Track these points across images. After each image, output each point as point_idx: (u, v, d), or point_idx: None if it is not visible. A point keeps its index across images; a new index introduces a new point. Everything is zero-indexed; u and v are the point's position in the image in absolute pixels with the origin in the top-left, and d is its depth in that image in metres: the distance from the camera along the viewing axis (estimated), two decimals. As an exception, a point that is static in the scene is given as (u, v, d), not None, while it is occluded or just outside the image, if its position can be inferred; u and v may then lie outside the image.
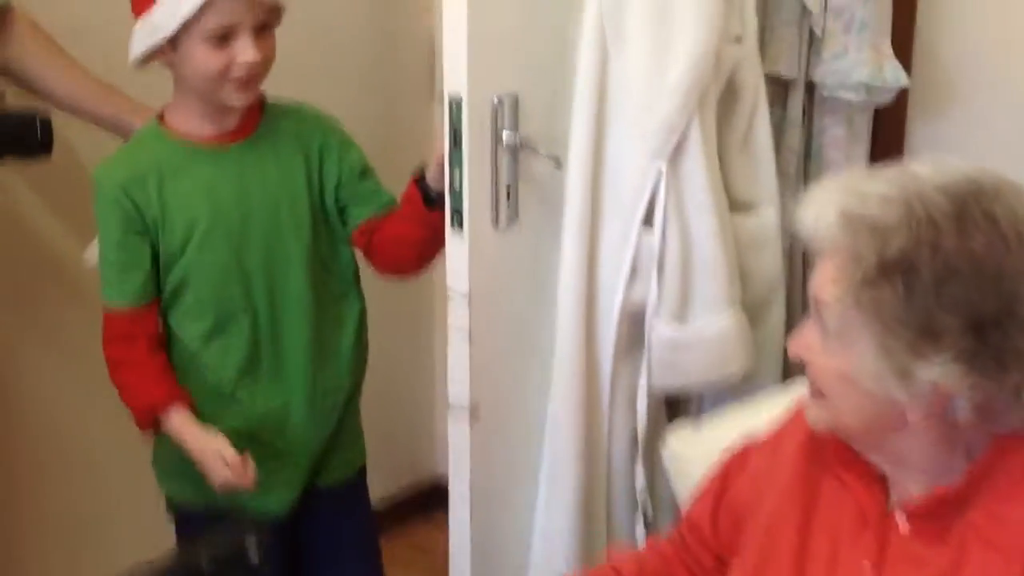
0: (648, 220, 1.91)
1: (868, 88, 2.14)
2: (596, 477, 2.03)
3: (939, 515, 1.25)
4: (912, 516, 1.28)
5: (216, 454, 1.77)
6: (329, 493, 2.00)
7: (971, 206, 1.17)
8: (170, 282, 1.82)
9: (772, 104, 2.11)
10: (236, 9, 1.70)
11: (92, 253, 1.90)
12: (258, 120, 1.85)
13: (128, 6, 1.74)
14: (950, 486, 1.24)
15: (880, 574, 1.28)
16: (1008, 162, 1.32)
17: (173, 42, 1.71)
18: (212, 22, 1.69)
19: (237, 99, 1.77)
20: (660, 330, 1.95)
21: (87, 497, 2.38)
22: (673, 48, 1.84)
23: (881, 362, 1.19)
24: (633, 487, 2.06)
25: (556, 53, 1.86)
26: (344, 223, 1.91)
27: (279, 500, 1.92)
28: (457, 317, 1.85)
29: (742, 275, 2.03)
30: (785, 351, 2.12)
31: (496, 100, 1.78)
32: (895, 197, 1.19)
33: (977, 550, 1.22)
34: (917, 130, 2.31)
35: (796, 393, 1.52)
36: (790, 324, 2.17)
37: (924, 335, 1.16)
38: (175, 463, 1.85)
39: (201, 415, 1.83)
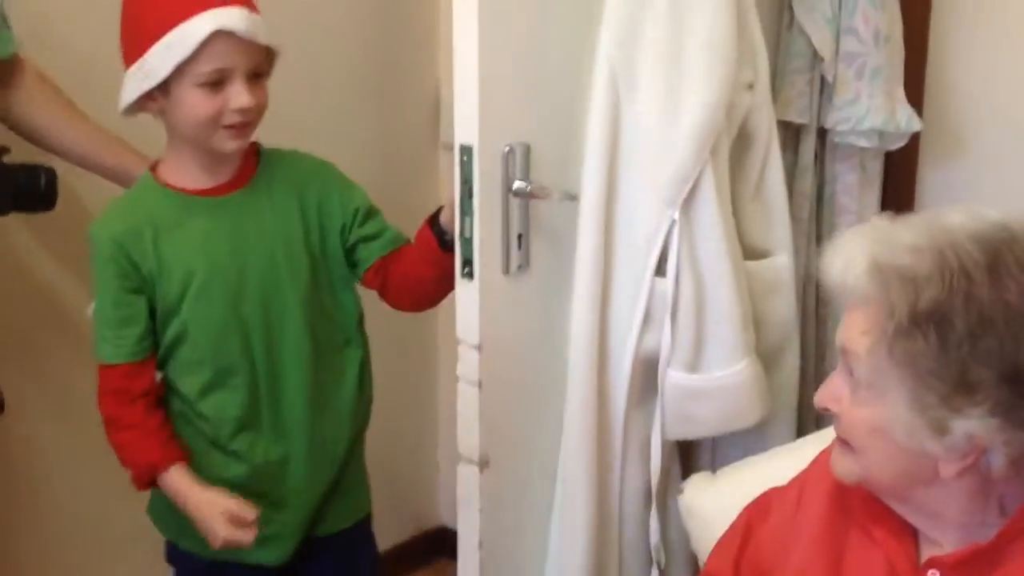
0: (661, 268, 1.89)
1: (881, 134, 2.15)
2: (608, 528, 2.00)
3: (973, 571, 1.23)
4: (945, 571, 1.25)
5: (219, 515, 1.75)
6: (331, 541, 1.96)
7: (1004, 255, 1.16)
8: (167, 335, 1.80)
9: (784, 150, 2.10)
10: (231, 54, 1.68)
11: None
12: (254, 170, 1.83)
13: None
14: (986, 541, 1.22)
15: (914, 630, 1.26)
16: (1020, 206, 1.31)
17: (165, 88, 1.70)
18: (206, 66, 1.67)
19: (230, 146, 1.74)
20: (674, 379, 1.93)
21: (88, 549, 2.34)
22: (685, 96, 1.83)
23: (914, 414, 1.17)
24: (646, 537, 2.03)
25: (567, 102, 1.85)
26: (354, 265, 1.88)
27: (278, 550, 1.89)
28: (467, 367, 1.82)
29: (756, 322, 2.01)
30: (800, 397, 2.12)
31: (507, 149, 1.77)
32: (926, 246, 1.17)
33: (1012, 606, 1.20)
34: (928, 175, 2.31)
35: (813, 445, 1.50)
36: (803, 370, 2.15)
37: (958, 388, 1.15)
38: (173, 513, 1.83)
39: (199, 467, 1.81)
